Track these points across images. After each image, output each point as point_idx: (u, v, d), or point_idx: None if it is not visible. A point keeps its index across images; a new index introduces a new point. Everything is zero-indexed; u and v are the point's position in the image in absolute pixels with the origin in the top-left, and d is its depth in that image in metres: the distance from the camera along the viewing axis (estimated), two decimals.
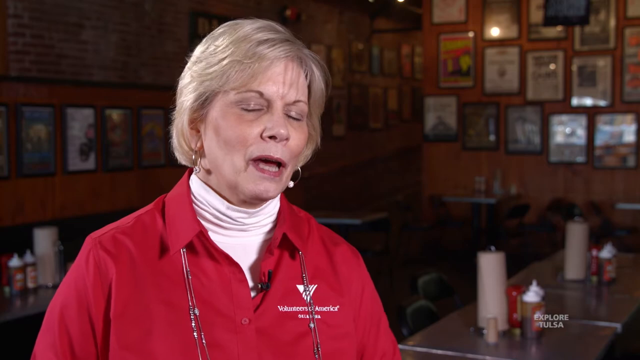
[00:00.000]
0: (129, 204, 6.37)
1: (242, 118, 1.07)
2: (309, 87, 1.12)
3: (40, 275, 3.98)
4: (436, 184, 9.09)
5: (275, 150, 1.06)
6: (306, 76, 1.11)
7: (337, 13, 11.57)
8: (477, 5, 8.80)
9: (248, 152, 1.06)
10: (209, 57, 1.09)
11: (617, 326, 3.19)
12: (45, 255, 4.03)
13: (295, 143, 1.09)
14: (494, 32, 8.77)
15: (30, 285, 3.90)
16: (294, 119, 1.10)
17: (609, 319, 3.34)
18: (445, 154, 9.08)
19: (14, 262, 3.84)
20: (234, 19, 1.14)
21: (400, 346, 2.92)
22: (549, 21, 7.24)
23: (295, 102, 1.09)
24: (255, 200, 1.10)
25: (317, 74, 1.12)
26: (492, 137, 8.85)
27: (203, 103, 1.09)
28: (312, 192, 9.95)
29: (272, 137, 1.06)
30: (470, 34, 8.86)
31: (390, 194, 12.11)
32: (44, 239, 4.06)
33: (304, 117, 1.12)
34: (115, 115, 6.26)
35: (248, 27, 1.09)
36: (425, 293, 3.94)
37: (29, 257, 3.92)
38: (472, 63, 8.88)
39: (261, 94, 1.06)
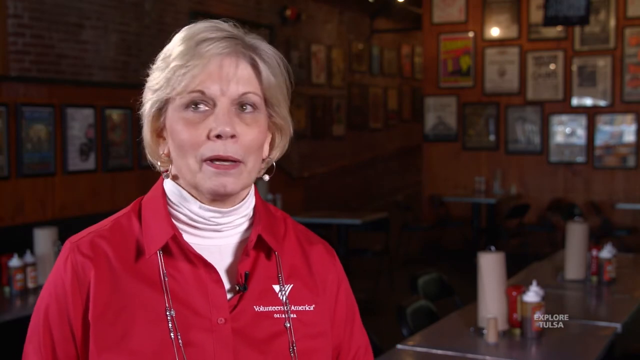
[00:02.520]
0: (129, 204, 6.34)
1: (190, 121, 1.08)
2: (259, 77, 1.11)
3: (40, 275, 3.97)
4: (436, 184, 9.09)
5: (224, 149, 1.07)
6: (253, 68, 1.11)
7: (337, 13, 11.57)
8: (477, 5, 8.80)
9: (199, 153, 1.08)
10: (159, 65, 1.12)
11: (617, 326, 3.19)
12: (45, 255, 4.03)
13: (249, 138, 1.09)
14: (494, 32, 8.77)
15: (30, 285, 3.90)
16: (247, 111, 1.10)
17: (609, 319, 3.34)
18: (445, 154, 9.08)
19: (14, 262, 3.83)
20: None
21: (400, 346, 2.93)
22: (549, 21, 7.24)
23: (242, 94, 1.09)
24: (217, 197, 1.10)
25: (262, 64, 1.11)
26: (492, 137, 8.85)
27: (159, 112, 1.12)
28: (312, 192, 9.95)
29: (218, 137, 1.07)
30: (470, 34, 8.86)
31: (390, 194, 12.11)
32: (44, 239, 4.06)
33: (259, 108, 1.11)
34: (115, 115, 6.25)
35: (193, 29, 1.10)
36: (425, 293, 3.95)
37: (29, 257, 3.92)
38: (472, 63, 8.87)
39: (203, 93, 1.07)
